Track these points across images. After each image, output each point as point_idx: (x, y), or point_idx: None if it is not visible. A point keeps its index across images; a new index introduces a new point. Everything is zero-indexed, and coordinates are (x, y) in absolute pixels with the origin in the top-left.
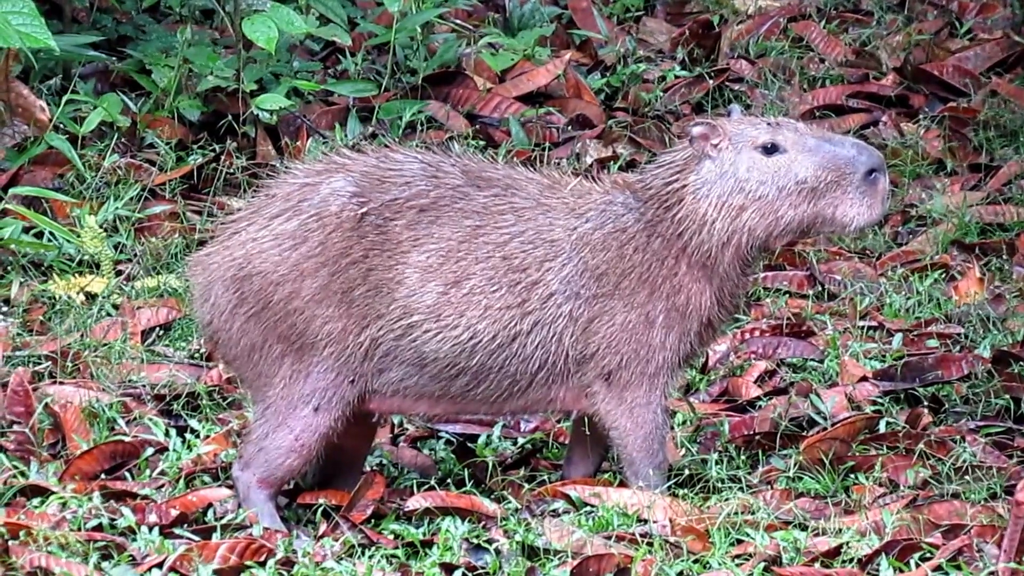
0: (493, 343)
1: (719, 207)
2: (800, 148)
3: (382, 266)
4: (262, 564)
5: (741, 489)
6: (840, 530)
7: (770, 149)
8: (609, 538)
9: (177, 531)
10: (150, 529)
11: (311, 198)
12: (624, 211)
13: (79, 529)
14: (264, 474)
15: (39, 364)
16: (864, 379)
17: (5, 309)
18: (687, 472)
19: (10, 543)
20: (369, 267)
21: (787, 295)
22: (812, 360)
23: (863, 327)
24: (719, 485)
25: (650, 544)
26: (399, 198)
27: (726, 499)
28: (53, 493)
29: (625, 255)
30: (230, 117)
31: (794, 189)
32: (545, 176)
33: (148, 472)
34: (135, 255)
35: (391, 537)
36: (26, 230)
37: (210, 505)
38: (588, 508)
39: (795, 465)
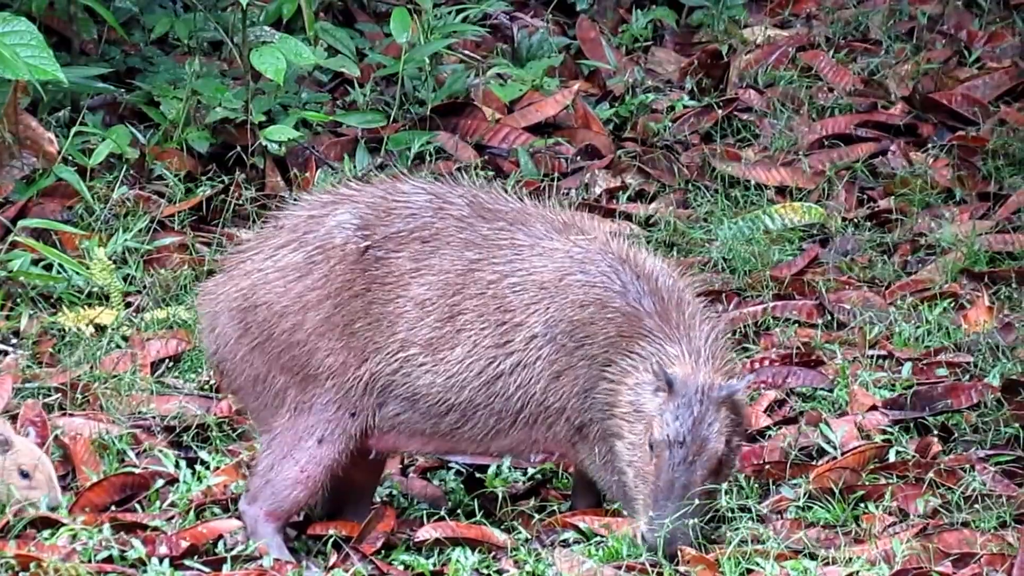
0: (479, 380)
1: None
2: None
3: (382, 299)
4: None
5: (751, 519)
6: (850, 559)
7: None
8: (619, 568)
9: (187, 563)
10: (160, 561)
11: (316, 230)
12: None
13: (89, 561)
14: (271, 507)
15: (49, 396)
16: (874, 408)
17: (15, 341)
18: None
19: (21, 575)
20: (371, 300)
21: (796, 324)
22: (822, 389)
23: (872, 356)
24: (729, 514)
25: (660, 574)
26: (403, 230)
27: (736, 528)
28: (63, 525)
29: (598, 319)
30: (239, 148)
31: None
32: (562, 215)
33: (158, 504)
34: (144, 287)
35: (402, 568)
36: (35, 262)
37: (220, 537)
38: (598, 538)
39: (805, 494)
